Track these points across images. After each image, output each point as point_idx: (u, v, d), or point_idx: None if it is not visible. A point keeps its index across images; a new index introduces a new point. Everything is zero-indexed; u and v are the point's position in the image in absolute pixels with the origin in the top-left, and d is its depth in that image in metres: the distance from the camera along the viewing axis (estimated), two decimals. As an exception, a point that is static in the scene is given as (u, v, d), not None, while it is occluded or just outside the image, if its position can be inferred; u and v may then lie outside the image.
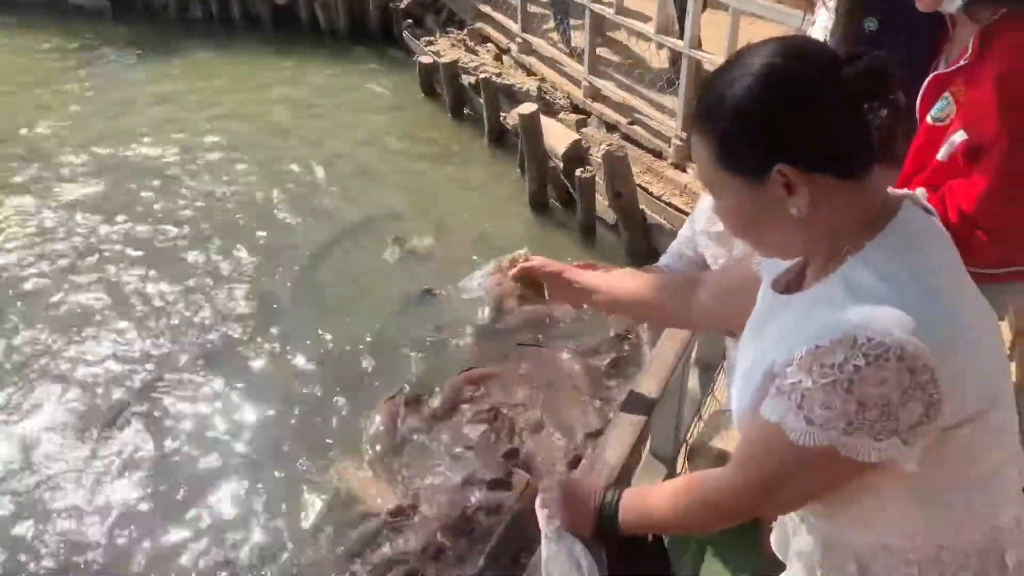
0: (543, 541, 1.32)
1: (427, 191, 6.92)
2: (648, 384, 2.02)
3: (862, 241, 0.99)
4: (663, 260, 2.19)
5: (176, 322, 5.31)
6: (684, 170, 5.97)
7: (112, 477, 4.16)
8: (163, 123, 8.15)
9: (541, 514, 1.32)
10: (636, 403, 1.97)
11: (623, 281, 1.58)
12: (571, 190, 6.26)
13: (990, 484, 1.06)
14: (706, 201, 2.07)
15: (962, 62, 1.80)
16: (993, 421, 1.01)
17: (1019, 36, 1.72)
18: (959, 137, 1.80)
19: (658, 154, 6.23)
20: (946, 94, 1.85)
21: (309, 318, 5.32)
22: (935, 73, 1.89)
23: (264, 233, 6.32)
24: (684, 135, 5.70)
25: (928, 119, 1.88)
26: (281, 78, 9.08)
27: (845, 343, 0.91)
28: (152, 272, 5.80)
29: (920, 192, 1.12)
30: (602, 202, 6.02)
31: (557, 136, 6.45)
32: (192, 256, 5.99)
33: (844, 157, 0.98)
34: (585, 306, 1.62)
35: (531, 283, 1.61)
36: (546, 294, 1.62)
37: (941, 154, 1.83)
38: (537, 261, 1.62)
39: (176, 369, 4.88)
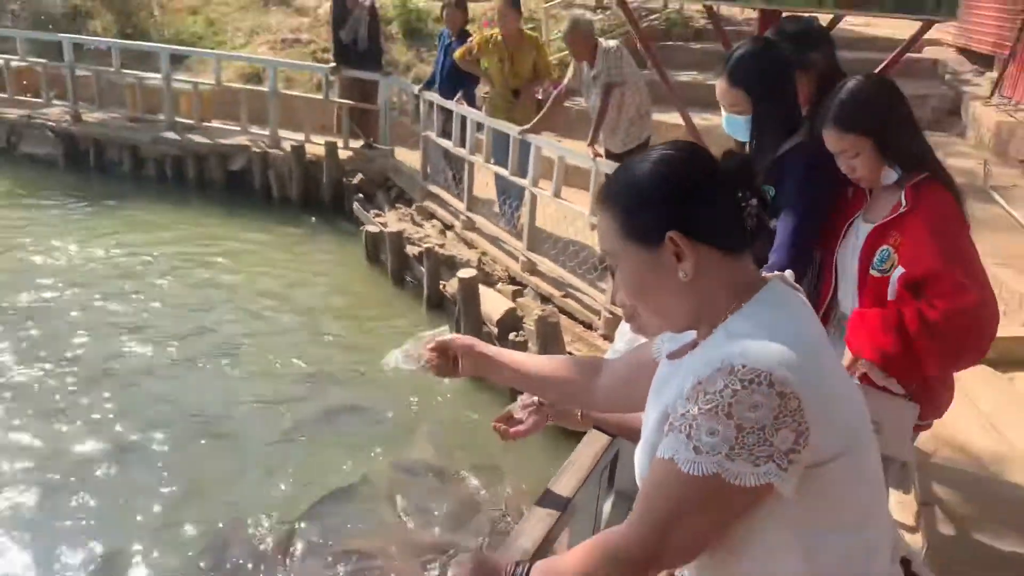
0: None
1: (363, 350, 7.15)
2: (564, 483, 2.19)
3: (740, 304, 1.20)
4: None
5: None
6: (613, 340, 6.31)
7: None
8: (103, 272, 8.30)
9: None
10: (550, 501, 2.13)
11: (533, 359, 1.80)
12: (505, 354, 6.54)
13: (863, 531, 1.18)
14: (625, 325, 2.31)
15: (900, 211, 2.19)
16: (857, 463, 1.15)
17: (937, 191, 2.21)
18: (898, 272, 2.15)
19: (588, 326, 6.64)
20: (885, 247, 2.20)
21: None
22: (875, 224, 2.26)
23: (203, 394, 6.38)
24: (614, 309, 6.08)
25: (872, 272, 2.23)
26: (228, 238, 9.39)
27: (724, 371, 1.08)
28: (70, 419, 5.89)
29: (788, 273, 1.30)
30: (534, 366, 6.29)
31: (493, 303, 6.82)
32: (115, 419, 5.98)
33: (724, 233, 1.21)
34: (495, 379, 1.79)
35: (446, 356, 1.80)
36: (460, 368, 1.79)
37: (891, 295, 2.18)
38: (455, 336, 1.81)
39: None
